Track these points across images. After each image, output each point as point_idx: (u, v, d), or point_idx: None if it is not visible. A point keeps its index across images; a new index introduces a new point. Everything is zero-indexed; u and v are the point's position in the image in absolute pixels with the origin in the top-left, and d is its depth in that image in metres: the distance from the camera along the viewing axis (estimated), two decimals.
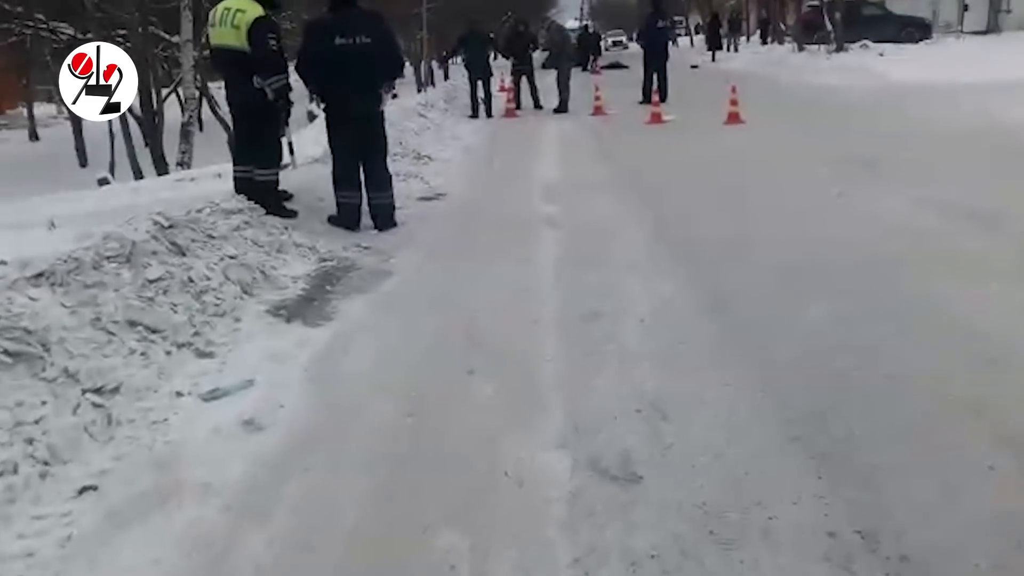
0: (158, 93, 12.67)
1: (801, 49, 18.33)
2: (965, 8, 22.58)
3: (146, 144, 12.21)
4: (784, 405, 2.33)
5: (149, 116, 12.20)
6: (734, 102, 8.84)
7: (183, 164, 11.87)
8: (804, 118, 9.03)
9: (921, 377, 2.44)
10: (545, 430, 2.31)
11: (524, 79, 12.60)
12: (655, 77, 11.46)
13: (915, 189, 4.85)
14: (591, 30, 29.27)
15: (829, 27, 17.34)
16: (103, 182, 8.87)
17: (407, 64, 19.13)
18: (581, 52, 20.04)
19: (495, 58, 13.30)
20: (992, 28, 20.74)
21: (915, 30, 20.00)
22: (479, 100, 12.06)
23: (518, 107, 12.59)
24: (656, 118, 9.56)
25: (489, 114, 11.99)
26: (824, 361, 2.60)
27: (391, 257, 4.34)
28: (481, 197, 6.00)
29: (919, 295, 3.14)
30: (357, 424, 2.44)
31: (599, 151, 7.95)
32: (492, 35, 14.95)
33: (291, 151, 4.97)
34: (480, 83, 12.04)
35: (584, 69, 20.68)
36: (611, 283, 3.56)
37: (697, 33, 35.54)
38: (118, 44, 13.98)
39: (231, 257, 3.88)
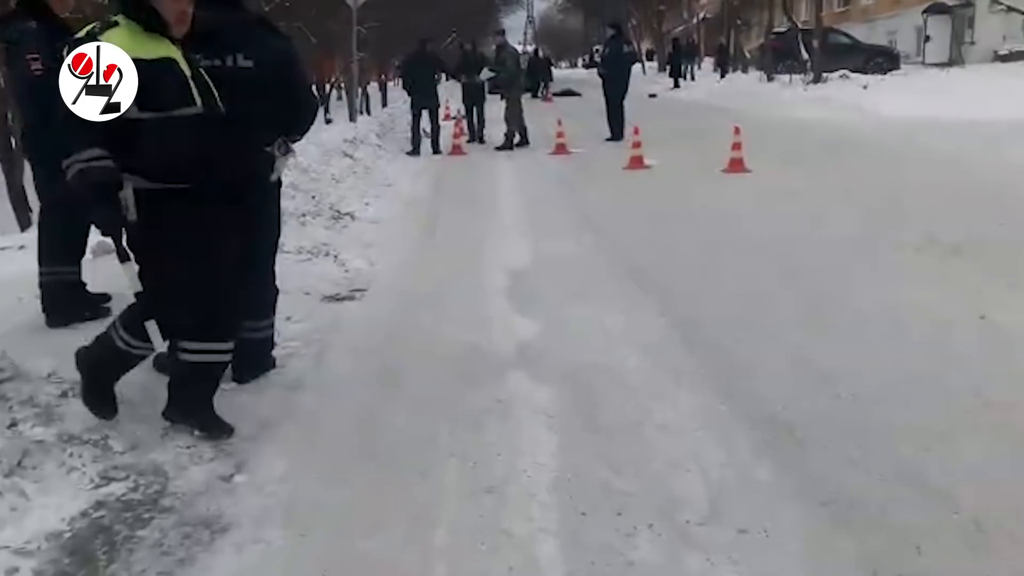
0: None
1: (771, 79, 16.96)
2: (927, 39, 21.92)
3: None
4: None
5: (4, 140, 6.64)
6: (737, 146, 7.08)
7: None
8: (819, 166, 7.32)
9: None
10: None
11: (475, 108, 10.85)
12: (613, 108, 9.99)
13: None
14: (541, 54, 27.92)
15: (805, 55, 15.99)
16: None
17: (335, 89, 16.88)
18: (531, 78, 18.60)
19: (446, 79, 11.44)
20: (955, 60, 19.96)
21: (883, 60, 19.18)
22: (422, 134, 10.09)
23: (473, 139, 10.77)
24: (637, 162, 7.76)
25: (436, 150, 10.03)
26: None
27: (240, 467, 2.31)
28: (417, 298, 3.99)
29: None
30: None
31: (576, 211, 6.04)
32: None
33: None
34: (426, 113, 10.09)
35: (534, 96, 19.49)
36: None
37: (650, 60, 34.36)
38: None
39: None
